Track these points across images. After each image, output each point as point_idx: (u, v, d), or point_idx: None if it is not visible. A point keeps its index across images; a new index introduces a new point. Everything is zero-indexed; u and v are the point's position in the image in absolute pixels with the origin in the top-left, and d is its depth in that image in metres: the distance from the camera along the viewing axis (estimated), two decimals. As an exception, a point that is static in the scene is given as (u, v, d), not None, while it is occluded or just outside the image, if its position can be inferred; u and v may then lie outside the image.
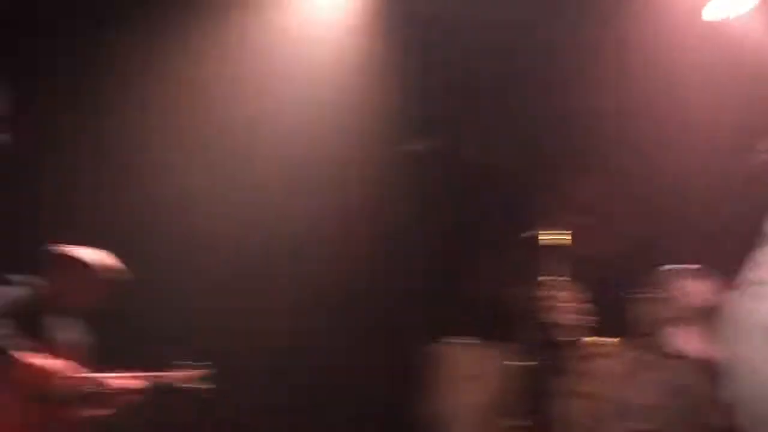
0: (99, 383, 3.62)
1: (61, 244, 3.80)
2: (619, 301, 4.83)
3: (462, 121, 5.58)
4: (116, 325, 4.28)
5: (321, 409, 5.40)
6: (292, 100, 5.36)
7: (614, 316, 4.89)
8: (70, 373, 3.51)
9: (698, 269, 4.51)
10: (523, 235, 5.03)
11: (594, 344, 4.53)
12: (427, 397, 5.02)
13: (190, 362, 4.15)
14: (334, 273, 5.44)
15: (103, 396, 3.61)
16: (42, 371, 3.31)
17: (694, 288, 4.44)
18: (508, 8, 4.93)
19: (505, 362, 4.88)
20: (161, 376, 4.02)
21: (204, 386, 4.18)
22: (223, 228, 5.34)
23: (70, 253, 3.80)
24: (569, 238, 4.91)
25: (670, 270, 4.56)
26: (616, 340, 4.46)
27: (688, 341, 4.53)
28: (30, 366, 3.26)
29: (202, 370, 4.24)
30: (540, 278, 4.92)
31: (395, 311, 5.56)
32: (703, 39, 4.58)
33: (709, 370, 4.34)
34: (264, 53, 5.34)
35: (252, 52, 5.27)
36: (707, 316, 4.42)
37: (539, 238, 4.97)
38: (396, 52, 5.02)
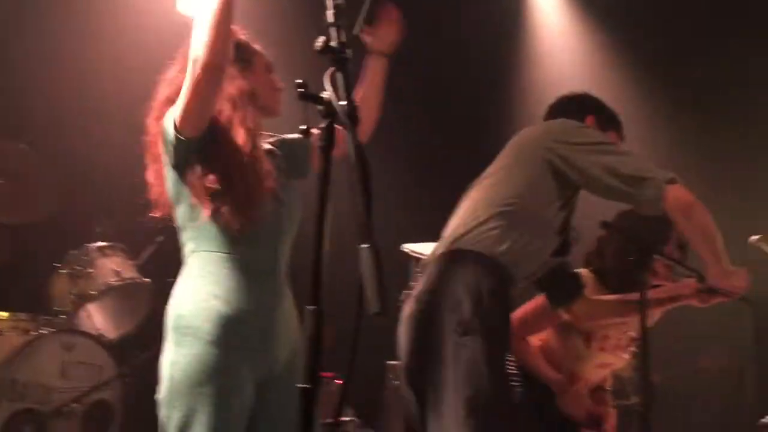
0: None
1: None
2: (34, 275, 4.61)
3: None
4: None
5: None
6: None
7: (25, 289, 4.64)
8: None
9: (112, 246, 4.55)
10: None
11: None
12: None
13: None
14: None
15: None
16: None
17: (108, 265, 4.45)
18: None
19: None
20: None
21: None
22: None
23: None
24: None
25: (88, 247, 4.50)
26: (4, 314, 4.17)
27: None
28: None
29: None
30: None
31: None
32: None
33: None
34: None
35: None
36: (119, 293, 4.52)
37: None
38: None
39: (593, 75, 6.05)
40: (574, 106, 2.63)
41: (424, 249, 2.52)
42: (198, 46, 1.93)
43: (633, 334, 2.97)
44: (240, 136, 2.08)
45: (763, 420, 3.11)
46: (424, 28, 5.82)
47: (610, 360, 2.97)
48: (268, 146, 2.28)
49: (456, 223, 2.43)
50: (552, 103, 2.71)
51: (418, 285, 2.36)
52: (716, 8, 5.63)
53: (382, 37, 2.47)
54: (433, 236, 2.53)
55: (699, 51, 5.71)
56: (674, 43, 5.79)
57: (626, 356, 3.00)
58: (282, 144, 2.35)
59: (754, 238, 3.82)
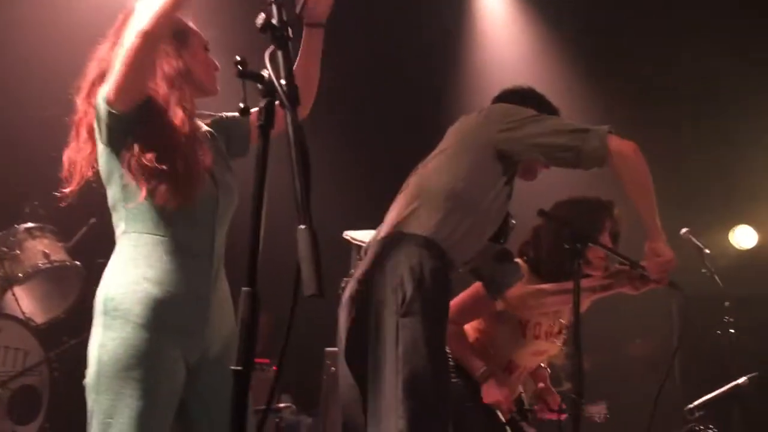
0: None
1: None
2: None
3: None
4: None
5: None
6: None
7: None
8: None
9: (42, 227, 4.42)
10: None
11: None
12: None
13: None
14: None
15: None
16: None
17: (37, 246, 4.32)
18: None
19: None
20: None
21: None
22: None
23: None
24: None
25: (16, 228, 4.36)
26: None
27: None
28: None
29: None
30: None
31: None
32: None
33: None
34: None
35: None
36: (48, 276, 4.39)
37: None
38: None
39: (535, 65, 6.14)
40: (517, 98, 2.68)
41: (366, 236, 2.53)
42: (143, 16, 1.89)
43: (564, 321, 3.03)
44: (177, 116, 2.03)
45: (689, 406, 3.21)
46: (370, 20, 5.85)
47: (544, 347, 3.02)
48: (205, 128, 2.24)
49: (398, 206, 2.44)
50: (496, 95, 2.76)
51: (359, 268, 2.37)
52: (658, 4, 5.76)
53: (318, 6, 2.39)
54: (375, 223, 2.53)
55: (640, 46, 5.84)
56: (616, 37, 5.91)
57: (559, 343, 3.06)
58: (219, 122, 2.31)
59: (685, 230, 3.94)
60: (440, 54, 6.32)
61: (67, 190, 2.13)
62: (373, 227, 2.55)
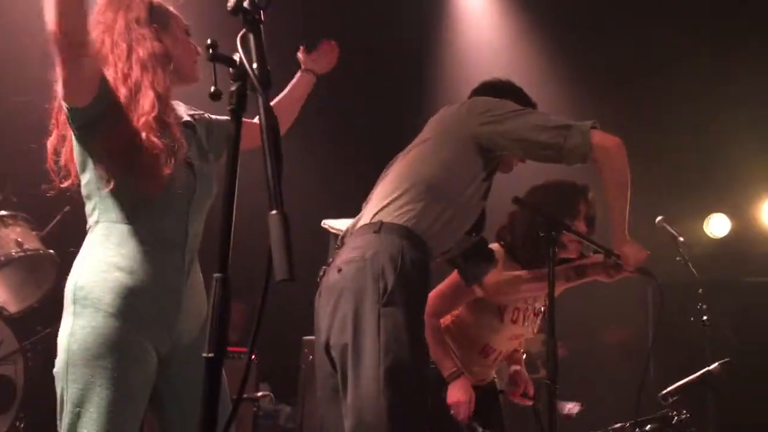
0: None
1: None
2: None
3: None
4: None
5: None
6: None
7: None
8: None
9: (14, 215, 4.36)
10: None
11: None
12: None
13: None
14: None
15: None
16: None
17: (9, 235, 4.26)
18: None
19: None
20: None
21: None
22: None
23: None
24: None
25: None
26: None
27: None
28: None
29: None
30: None
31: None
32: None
33: None
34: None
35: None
36: (22, 265, 4.34)
37: None
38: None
39: (513, 55, 6.16)
40: (496, 90, 2.67)
41: (344, 225, 2.51)
42: (48, 17, 1.82)
43: (540, 305, 3.05)
44: (148, 99, 2.00)
45: (663, 392, 3.24)
46: (349, 11, 5.82)
47: (520, 331, 3.03)
48: (187, 117, 2.21)
49: (378, 196, 2.43)
50: (475, 88, 2.75)
51: (339, 257, 2.35)
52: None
53: (319, 63, 2.68)
54: (354, 213, 2.52)
55: (618, 37, 5.87)
56: (594, 28, 5.93)
57: (535, 327, 3.08)
58: (203, 119, 2.29)
59: (660, 218, 3.97)
60: (420, 43, 6.31)
61: (65, 184, 2.09)
62: (353, 216, 2.54)
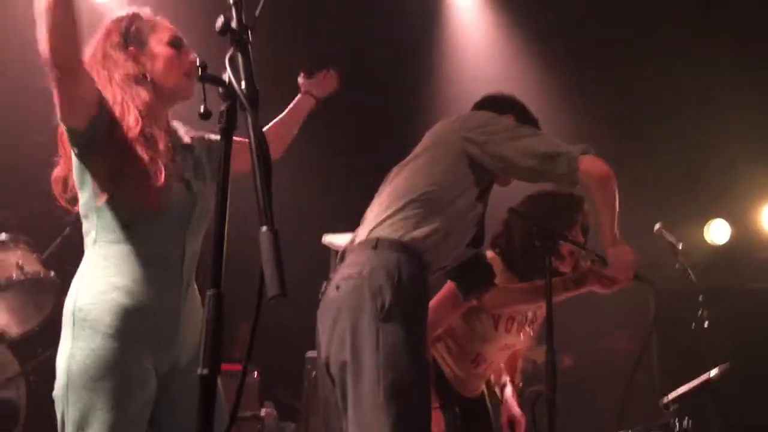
0: None
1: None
2: None
3: None
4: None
5: None
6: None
7: None
8: None
9: (15, 238, 4.38)
10: None
11: None
12: None
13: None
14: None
15: None
16: None
17: (10, 258, 4.27)
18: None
19: None
20: None
21: None
22: None
23: None
24: None
25: None
26: None
27: None
28: None
29: None
30: None
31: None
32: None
33: None
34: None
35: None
36: (23, 288, 4.34)
37: None
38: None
39: (509, 66, 6.18)
40: (497, 104, 2.68)
41: (345, 240, 2.53)
42: (41, 44, 1.87)
43: (531, 315, 3.05)
44: (132, 116, 2.03)
45: (663, 401, 3.23)
46: (349, 18, 5.84)
47: (513, 341, 3.03)
48: (187, 140, 2.24)
49: (375, 211, 2.44)
50: (477, 101, 2.76)
51: (337, 273, 2.36)
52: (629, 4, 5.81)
53: (318, 88, 2.75)
54: (355, 226, 2.53)
55: (613, 45, 5.89)
56: (589, 37, 5.96)
57: (526, 338, 3.08)
58: (203, 140, 2.31)
59: (659, 225, 3.97)
60: (415, 57, 6.33)
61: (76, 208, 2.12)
62: (353, 230, 2.55)
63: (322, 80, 2.77)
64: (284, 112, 2.69)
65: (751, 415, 5.06)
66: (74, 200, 2.13)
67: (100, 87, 2.04)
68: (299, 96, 2.73)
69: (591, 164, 2.33)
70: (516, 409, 3.19)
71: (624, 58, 5.93)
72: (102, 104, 2.00)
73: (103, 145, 1.99)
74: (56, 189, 2.13)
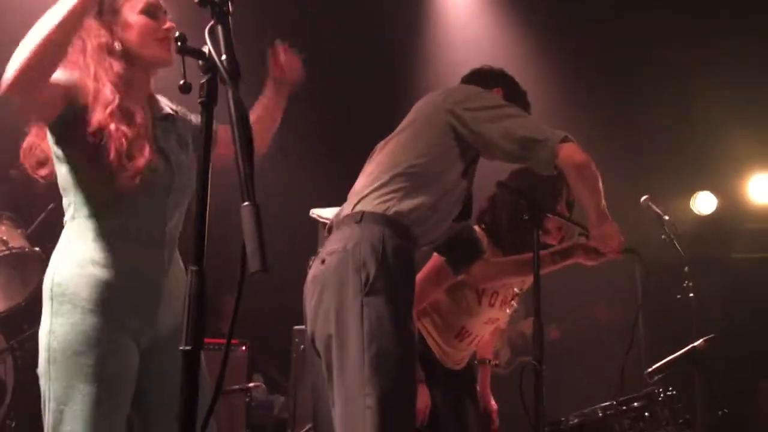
0: None
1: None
2: None
3: None
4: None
5: None
6: None
7: None
8: None
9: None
10: None
11: None
12: None
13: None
14: None
15: None
16: None
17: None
18: None
19: None
20: None
21: None
22: None
23: None
24: None
25: None
26: None
27: None
28: None
29: None
30: None
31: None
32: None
33: None
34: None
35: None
36: (7, 263, 4.31)
37: None
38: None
39: (496, 44, 6.16)
40: (485, 79, 2.65)
41: (332, 214, 2.51)
42: (8, 72, 1.82)
43: (517, 289, 3.06)
44: (108, 88, 2.00)
45: (647, 370, 3.26)
46: (335, 4, 5.79)
47: (496, 315, 3.05)
48: (168, 110, 2.20)
49: (360, 185, 2.43)
50: (465, 75, 2.73)
51: (324, 248, 2.36)
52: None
53: (281, 70, 2.48)
54: (343, 201, 2.52)
55: (601, 20, 5.88)
56: (577, 15, 5.93)
57: (509, 311, 3.09)
58: (186, 118, 2.27)
59: (645, 197, 3.99)
60: (405, 34, 6.30)
61: (43, 172, 2.08)
62: (341, 204, 2.54)
63: (278, 62, 2.48)
64: (261, 104, 2.48)
65: (735, 384, 5.12)
66: (45, 162, 2.08)
67: (73, 57, 2.00)
68: (273, 85, 2.49)
69: (569, 153, 2.32)
70: (491, 401, 3.26)
71: (611, 32, 5.91)
72: (67, 95, 1.96)
73: (78, 131, 1.96)
74: (27, 160, 2.08)
